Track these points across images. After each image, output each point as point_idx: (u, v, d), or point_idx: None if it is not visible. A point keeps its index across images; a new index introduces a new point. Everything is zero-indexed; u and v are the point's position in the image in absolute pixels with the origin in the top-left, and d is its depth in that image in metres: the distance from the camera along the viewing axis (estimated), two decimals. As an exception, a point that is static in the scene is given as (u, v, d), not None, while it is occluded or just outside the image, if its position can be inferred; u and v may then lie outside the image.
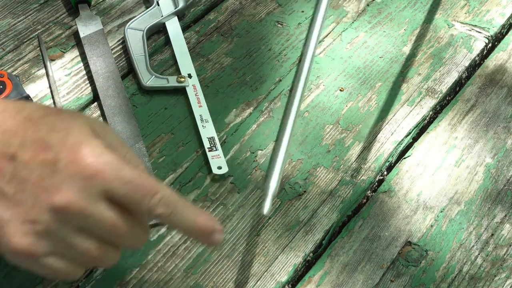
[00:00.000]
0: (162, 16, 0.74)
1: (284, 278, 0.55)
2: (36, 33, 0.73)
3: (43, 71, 0.69)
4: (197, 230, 0.46)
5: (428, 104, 0.69)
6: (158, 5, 0.75)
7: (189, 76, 0.69)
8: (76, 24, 0.73)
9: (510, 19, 0.80)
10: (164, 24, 0.74)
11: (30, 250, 0.43)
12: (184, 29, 0.75)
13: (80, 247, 0.44)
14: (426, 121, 0.69)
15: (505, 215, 0.60)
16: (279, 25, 0.76)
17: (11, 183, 0.43)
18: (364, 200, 0.62)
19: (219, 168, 0.61)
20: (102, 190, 0.43)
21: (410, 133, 0.67)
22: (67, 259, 0.45)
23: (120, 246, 0.46)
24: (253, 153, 0.64)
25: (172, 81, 0.68)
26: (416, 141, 0.66)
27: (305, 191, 0.61)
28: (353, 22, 0.77)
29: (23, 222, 0.43)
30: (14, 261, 0.45)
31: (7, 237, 0.43)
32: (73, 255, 0.45)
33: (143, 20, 0.73)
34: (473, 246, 0.58)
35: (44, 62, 0.69)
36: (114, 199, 0.44)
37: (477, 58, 0.75)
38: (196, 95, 0.67)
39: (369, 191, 0.62)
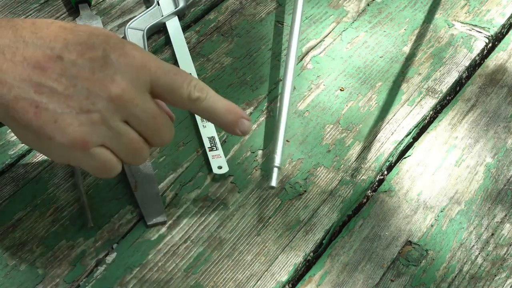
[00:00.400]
0: (162, 16, 0.74)
1: (284, 277, 0.55)
2: (37, 33, 0.73)
3: (43, 71, 0.69)
4: (229, 114, 0.53)
5: (429, 103, 0.69)
6: (159, 5, 0.75)
7: (190, 75, 0.69)
8: (76, 24, 0.73)
9: (510, 19, 0.80)
10: (164, 24, 0.74)
11: (85, 138, 0.47)
12: (184, 29, 0.75)
13: (126, 136, 0.49)
14: (426, 121, 0.69)
15: (505, 215, 0.60)
16: (279, 25, 0.76)
17: (60, 80, 0.47)
18: (365, 200, 0.62)
19: (220, 167, 0.61)
20: (149, 80, 0.49)
21: (410, 132, 0.67)
22: (113, 151, 0.49)
23: (152, 143, 0.51)
24: (254, 152, 0.64)
25: (172, 81, 0.68)
26: (416, 140, 0.66)
27: (305, 191, 0.61)
28: (353, 22, 0.77)
29: (79, 112, 0.47)
30: (63, 155, 0.49)
31: (62, 128, 0.46)
32: (118, 146, 0.49)
33: (143, 20, 0.73)
34: (473, 245, 0.58)
35: (44, 62, 0.69)
36: (156, 90, 0.50)
37: (477, 58, 0.75)
38: (196, 94, 0.67)
39: (369, 191, 0.62)
